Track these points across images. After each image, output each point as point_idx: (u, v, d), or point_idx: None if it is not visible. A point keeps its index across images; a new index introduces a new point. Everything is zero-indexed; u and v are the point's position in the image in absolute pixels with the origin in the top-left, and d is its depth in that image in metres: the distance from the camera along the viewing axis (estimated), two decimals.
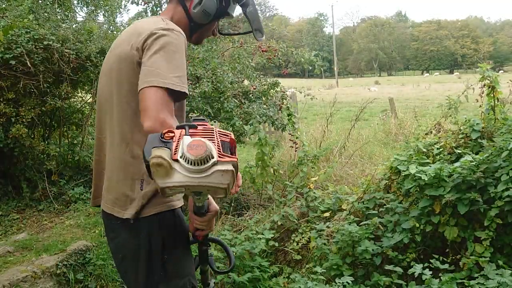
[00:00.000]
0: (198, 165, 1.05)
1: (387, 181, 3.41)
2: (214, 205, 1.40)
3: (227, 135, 1.16)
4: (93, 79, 5.64)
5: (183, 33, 1.39)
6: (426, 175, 2.81)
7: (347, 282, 2.65)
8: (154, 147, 1.09)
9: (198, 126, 1.16)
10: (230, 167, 1.07)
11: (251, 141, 7.38)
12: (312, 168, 4.33)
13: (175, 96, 1.31)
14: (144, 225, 1.42)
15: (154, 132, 1.14)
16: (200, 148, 1.07)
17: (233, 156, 1.10)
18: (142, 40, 1.36)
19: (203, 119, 1.21)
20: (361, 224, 3.11)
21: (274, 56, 4.73)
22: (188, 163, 1.05)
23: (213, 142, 1.10)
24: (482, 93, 3.35)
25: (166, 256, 1.44)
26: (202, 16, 1.51)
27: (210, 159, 1.06)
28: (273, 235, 3.39)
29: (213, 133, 1.14)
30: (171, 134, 1.11)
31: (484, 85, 3.33)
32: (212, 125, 1.31)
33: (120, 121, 1.42)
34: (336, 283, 2.67)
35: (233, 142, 1.17)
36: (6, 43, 4.15)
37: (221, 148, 1.11)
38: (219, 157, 1.07)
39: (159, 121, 1.23)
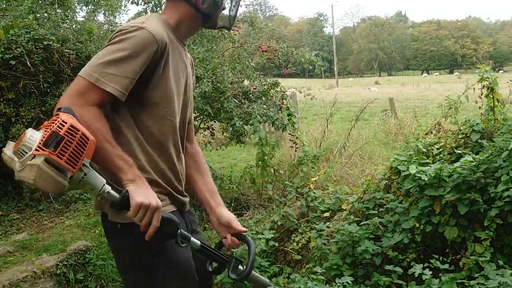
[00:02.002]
0: (19, 158, 1.06)
1: (387, 181, 3.41)
2: (135, 200, 1.24)
3: (62, 126, 1.08)
4: None
5: (156, 34, 1.33)
6: (426, 175, 2.81)
7: (347, 282, 2.65)
8: (9, 140, 1.14)
9: (51, 117, 1.13)
10: (36, 161, 1.03)
11: (251, 141, 7.38)
12: (312, 168, 4.33)
13: (105, 93, 1.28)
14: (131, 231, 1.36)
15: None
16: (18, 140, 1.08)
17: (44, 150, 1.05)
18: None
19: (59, 109, 1.17)
20: (361, 224, 3.11)
21: (274, 56, 4.72)
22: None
23: (45, 133, 1.07)
24: (481, 94, 3.35)
25: (156, 260, 1.39)
26: (212, 6, 1.46)
27: (25, 153, 1.05)
28: (273, 235, 3.39)
29: (51, 123, 1.10)
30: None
31: (483, 86, 3.32)
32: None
33: None
34: (336, 283, 2.67)
35: (68, 134, 1.08)
36: (6, 43, 4.15)
37: (46, 140, 1.06)
38: (35, 150, 1.04)
39: (59, 106, 1.21)
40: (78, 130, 1.10)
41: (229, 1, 1.56)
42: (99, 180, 1.20)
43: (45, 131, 1.08)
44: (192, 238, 1.40)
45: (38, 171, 1.03)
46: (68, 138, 1.08)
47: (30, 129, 1.11)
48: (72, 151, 1.09)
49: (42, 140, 1.06)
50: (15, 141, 1.13)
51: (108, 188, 1.23)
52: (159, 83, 1.39)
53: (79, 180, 1.15)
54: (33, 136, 1.07)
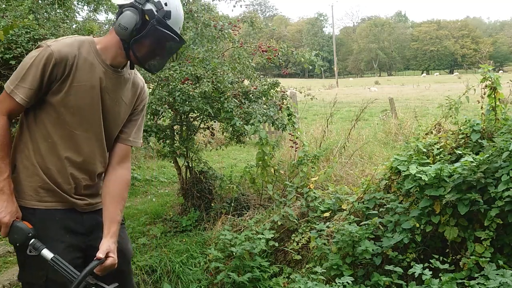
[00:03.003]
0: None
1: (387, 181, 3.41)
2: None
3: None
4: None
5: (56, 52, 1.51)
6: (426, 175, 2.81)
7: (347, 282, 2.65)
8: None
9: None
10: None
11: (251, 141, 7.38)
12: (312, 168, 4.33)
13: (15, 102, 1.53)
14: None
15: None
16: None
17: None
18: None
19: None
20: (361, 224, 3.11)
21: (274, 56, 4.71)
22: None
23: None
24: (484, 94, 3.35)
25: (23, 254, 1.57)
26: (120, 31, 1.55)
27: None
28: (273, 235, 3.39)
29: None
30: None
31: (486, 86, 3.33)
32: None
33: None
34: (336, 283, 2.67)
35: None
36: (6, 43, 4.15)
37: None
38: None
39: None
40: None
41: (149, 42, 1.57)
42: None
43: None
44: (44, 251, 1.52)
45: None
46: None
47: None
48: None
49: None
50: None
51: None
52: (58, 93, 1.56)
53: None
54: None
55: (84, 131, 1.63)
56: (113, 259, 1.58)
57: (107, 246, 1.59)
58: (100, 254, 1.56)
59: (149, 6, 1.53)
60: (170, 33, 1.56)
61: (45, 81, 1.53)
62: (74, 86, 1.56)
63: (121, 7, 1.57)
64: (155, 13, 1.53)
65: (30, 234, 1.52)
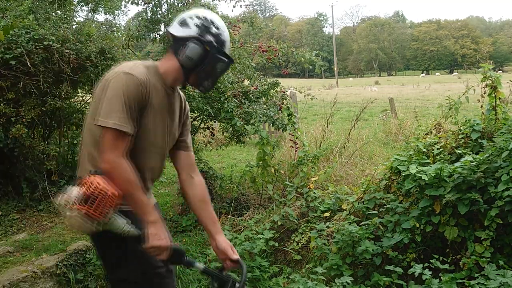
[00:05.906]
0: (62, 208, 1.52)
1: (387, 181, 3.40)
2: (151, 243, 1.62)
3: (89, 187, 1.50)
4: (93, 79, 5.60)
5: (136, 74, 1.62)
6: (426, 175, 2.81)
7: (347, 282, 2.65)
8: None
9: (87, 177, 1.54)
10: (68, 213, 1.50)
11: (251, 141, 7.38)
12: (312, 168, 4.33)
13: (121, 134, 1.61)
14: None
15: None
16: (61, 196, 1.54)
17: (73, 206, 1.49)
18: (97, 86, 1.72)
19: (91, 171, 1.59)
20: (361, 224, 3.11)
21: (275, 56, 4.71)
22: None
23: (81, 191, 1.51)
24: (484, 93, 3.34)
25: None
26: (186, 62, 1.72)
27: (66, 205, 1.51)
28: (273, 235, 3.39)
29: (84, 184, 1.53)
30: None
31: (486, 85, 3.32)
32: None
33: None
34: (336, 283, 2.67)
35: (92, 192, 1.48)
36: (6, 43, 4.15)
37: (79, 198, 1.49)
38: (72, 204, 1.50)
39: (101, 166, 1.60)
40: (108, 190, 1.50)
41: (208, 71, 1.75)
42: (122, 222, 1.59)
43: (81, 188, 1.51)
44: (196, 263, 1.72)
45: (69, 220, 1.52)
46: (101, 197, 1.49)
47: (74, 187, 1.54)
48: (100, 206, 1.50)
49: (77, 198, 1.49)
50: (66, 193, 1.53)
51: (128, 227, 1.60)
52: (142, 119, 1.68)
53: (106, 223, 1.55)
54: (72, 194, 1.50)
55: (155, 147, 1.79)
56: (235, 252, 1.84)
57: (227, 244, 1.84)
58: (235, 255, 1.81)
59: (209, 37, 1.71)
60: (227, 59, 1.76)
61: (137, 108, 1.63)
62: (151, 110, 1.70)
63: (183, 39, 1.71)
64: (215, 44, 1.71)
65: (185, 253, 1.71)
